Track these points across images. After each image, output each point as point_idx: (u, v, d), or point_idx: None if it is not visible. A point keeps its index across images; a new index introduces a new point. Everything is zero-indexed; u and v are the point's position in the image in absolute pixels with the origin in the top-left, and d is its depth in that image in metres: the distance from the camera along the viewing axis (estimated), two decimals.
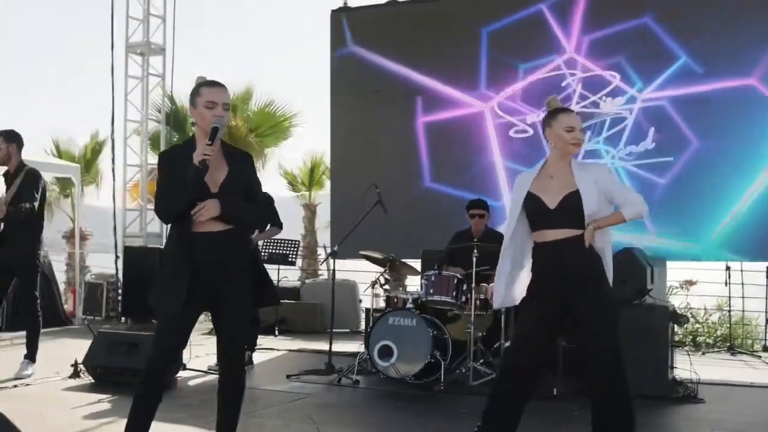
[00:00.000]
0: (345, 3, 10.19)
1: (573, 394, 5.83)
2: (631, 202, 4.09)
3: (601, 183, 4.08)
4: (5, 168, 6.40)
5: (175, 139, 12.20)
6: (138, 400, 3.50)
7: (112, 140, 10.87)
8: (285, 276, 10.95)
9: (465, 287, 6.65)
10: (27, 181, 6.22)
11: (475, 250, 6.56)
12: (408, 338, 6.44)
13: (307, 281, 11.11)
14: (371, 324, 6.67)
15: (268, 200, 3.72)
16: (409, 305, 6.74)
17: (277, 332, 9.72)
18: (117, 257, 10.53)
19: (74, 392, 5.74)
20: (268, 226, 7.01)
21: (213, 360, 6.81)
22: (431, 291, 6.68)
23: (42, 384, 5.99)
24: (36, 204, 6.19)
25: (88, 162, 14.06)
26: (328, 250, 8.61)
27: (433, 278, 6.70)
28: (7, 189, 6.27)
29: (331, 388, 6.28)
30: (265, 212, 3.75)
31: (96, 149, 14.31)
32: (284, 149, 13.66)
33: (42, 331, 6.44)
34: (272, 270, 10.15)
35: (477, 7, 9.16)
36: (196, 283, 3.46)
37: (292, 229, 11.79)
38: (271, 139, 13.60)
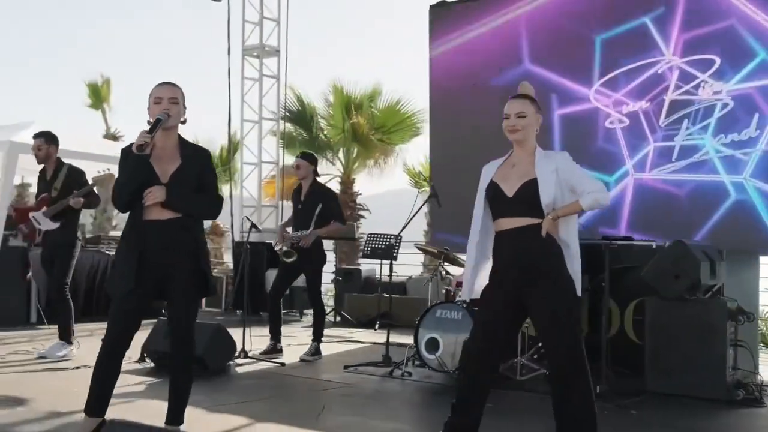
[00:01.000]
0: None
1: (617, 394, 5.66)
2: (589, 190, 3.94)
3: (561, 172, 3.96)
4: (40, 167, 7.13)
5: (302, 137, 12.80)
6: (97, 369, 3.85)
7: (229, 139, 11.60)
8: (395, 271, 11.14)
9: None
10: (73, 177, 6.91)
11: None
12: (453, 331, 6.44)
13: (413, 276, 11.27)
14: (419, 317, 6.72)
15: (218, 198, 3.96)
16: (459, 298, 6.74)
17: (377, 326, 9.94)
18: (246, 250, 11.20)
19: (125, 374, 6.25)
20: (332, 223, 7.32)
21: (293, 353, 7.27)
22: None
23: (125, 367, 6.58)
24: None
25: (224, 161, 15.05)
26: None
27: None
28: (48, 186, 6.97)
29: (383, 379, 6.40)
30: (210, 204, 3.96)
31: (233, 149, 15.27)
32: (413, 146, 13.96)
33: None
34: (375, 264, 10.39)
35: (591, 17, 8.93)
36: (144, 267, 3.75)
37: (418, 225, 11.95)
38: (396, 137, 13.87)
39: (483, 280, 4.12)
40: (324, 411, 5.09)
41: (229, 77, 11.56)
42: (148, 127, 3.79)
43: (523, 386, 6.11)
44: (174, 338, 3.91)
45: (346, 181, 14.03)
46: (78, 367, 6.42)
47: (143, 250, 3.77)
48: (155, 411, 4.35)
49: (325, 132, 14.29)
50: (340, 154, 14.38)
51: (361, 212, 14.34)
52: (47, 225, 6.91)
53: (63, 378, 6.03)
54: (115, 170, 4.16)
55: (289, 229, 7.56)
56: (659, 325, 6.13)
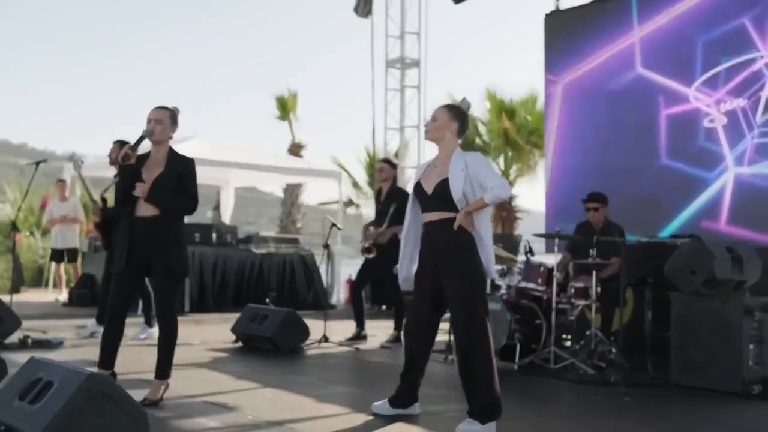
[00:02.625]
0: (557, 6, 10.59)
1: (628, 385, 6.00)
2: (491, 186, 4.53)
3: (471, 168, 4.59)
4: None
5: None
6: (103, 337, 5.07)
7: (374, 145, 12.72)
8: None
9: (557, 275, 7.01)
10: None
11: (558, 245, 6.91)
12: (492, 321, 7.00)
13: None
14: None
15: (194, 200, 5.05)
16: (503, 290, 7.30)
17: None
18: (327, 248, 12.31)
19: (216, 352, 7.49)
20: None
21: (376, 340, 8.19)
22: (520, 278, 7.18)
23: (208, 344, 7.87)
24: None
25: (371, 168, 16.29)
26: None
27: (523, 267, 7.19)
28: None
29: (437, 364, 7.13)
30: (183, 203, 5.01)
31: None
32: None
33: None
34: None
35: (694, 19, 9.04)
36: (134, 252, 4.91)
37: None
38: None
39: (414, 264, 4.81)
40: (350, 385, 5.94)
41: (372, 89, 12.71)
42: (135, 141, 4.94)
43: (554, 374, 6.55)
44: (157, 311, 5.01)
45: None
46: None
47: (133, 239, 4.90)
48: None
49: (484, 137, 14.95)
50: (499, 159, 14.98)
51: (518, 214, 14.81)
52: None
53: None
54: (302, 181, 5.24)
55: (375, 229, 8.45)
56: (683, 319, 6.31)
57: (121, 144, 7.64)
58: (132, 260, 4.90)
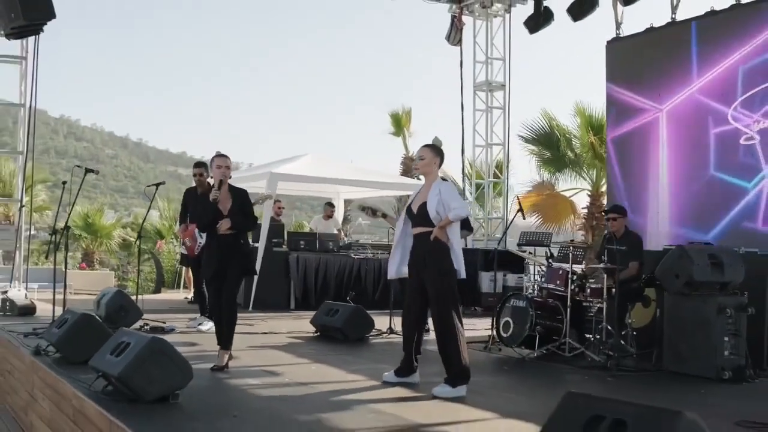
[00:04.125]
0: (617, 34, 11.62)
1: (622, 370, 7.25)
2: (453, 208, 5.98)
3: (443, 194, 6.07)
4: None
5: (546, 156, 14.88)
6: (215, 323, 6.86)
7: (462, 162, 14.12)
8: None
9: (577, 278, 8.23)
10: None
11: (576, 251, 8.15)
12: (519, 316, 8.33)
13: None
14: (499, 305, 8.67)
15: (255, 218, 6.94)
16: (530, 290, 8.59)
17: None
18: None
19: (296, 339, 9.16)
20: (463, 231, 9.55)
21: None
22: (543, 280, 8.46)
23: (292, 334, 9.57)
24: None
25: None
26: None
27: (546, 270, 8.47)
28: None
29: (477, 353, 8.53)
30: (251, 222, 6.82)
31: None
32: None
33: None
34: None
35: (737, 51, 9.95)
36: (218, 261, 6.73)
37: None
38: None
39: (401, 266, 6.27)
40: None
41: (462, 110, 14.14)
42: (216, 186, 6.66)
43: (565, 361, 7.80)
44: (224, 298, 6.70)
45: (595, 195, 15.61)
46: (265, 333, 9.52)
47: (219, 252, 6.68)
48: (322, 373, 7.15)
49: (576, 150, 16.02)
50: (592, 172, 15.98)
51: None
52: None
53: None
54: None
55: None
56: (672, 316, 7.41)
57: (202, 166, 9.32)
58: (218, 267, 6.67)
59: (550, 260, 8.46)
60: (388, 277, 6.48)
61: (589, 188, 16.01)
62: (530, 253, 10.21)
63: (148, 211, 10.85)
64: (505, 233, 9.56)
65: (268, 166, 13.98)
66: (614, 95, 11.30)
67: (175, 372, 5.13)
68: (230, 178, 6.85)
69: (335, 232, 14.06)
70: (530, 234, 11.61)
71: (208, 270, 6.74)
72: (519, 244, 11.51)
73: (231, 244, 6.65)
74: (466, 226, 9.58)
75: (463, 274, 6.02)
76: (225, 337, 6.69)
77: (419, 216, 6.08)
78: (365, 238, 14.53)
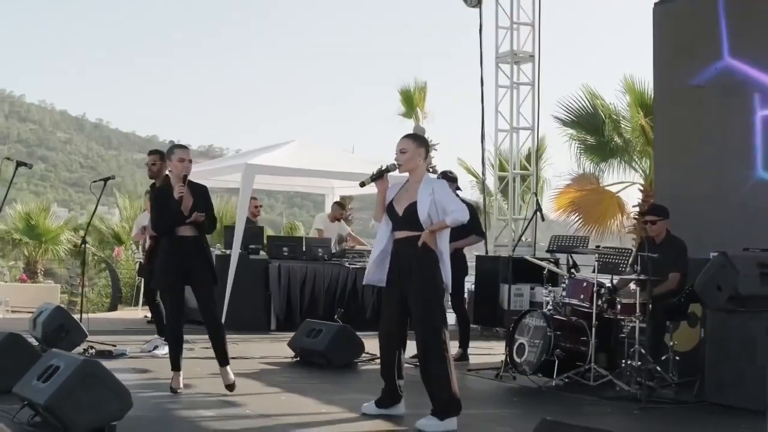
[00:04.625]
0: None
1: (656, 402, 7.62)
2: (450, 211, 6.39)
3: (437, 194, 6.47)
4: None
5: (588, 142, 15.25)
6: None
7: (482, 149, 14.51)
8: None
9: (605, 291, 8.60)
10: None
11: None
12: (535, 337, 8.70)
13: None
14: (512, 324, 9.06)
15: (214, 219, 7.45)
16: (549, 306, 8.96)
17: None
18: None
19: (269, 366, 9.58)
20: (472, 236, 9.96)
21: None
22: (564, 294, 8.84)
23: (266, 359, 9.99)
24: None
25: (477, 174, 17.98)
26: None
27: (568, 282, 8.84)
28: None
29: (485, 381, 8.93)
30: (212, 226, 7.34)
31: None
32: None
33: None
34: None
35: None
36: (177, 268, 7.18)
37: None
38: None
39: (380, 270, 6.67)
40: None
41: (482, 87, 14.54)
42: (180, 182, 7.17)
43: (589, 391, 8.16)
44: (203, 313, 7.25)
45: (648, 189, 15.88)
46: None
47: (179, 256, 7.16)
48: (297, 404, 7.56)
49: (625, 135, 16.34)
50: (645, 161, 16.26)
51: None
52: None
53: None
54: None
55: None
56: (714, 337, 7.77)
57: (156, 154, 9.71)
58: (179, 277, 7.19)
59: (572, 270, 8.81)
60: (364, 282, 6.90)
61: (642, 181, 16.33)
62: (551, 261, 10.57)
63: (93, 213, 11.27)
64: (521, 237, 9.95)
65: (243, 155, 14.45)
66: (662, 70, 11.61)
67: (111, 400, 5.58)
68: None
69: (344, 238, 14.40)
70: (561, 238, 11.97)
71: (163, 279, 7.27)
72: (549, 250, 11.88)
73: (195, 248, 7.19)
74: (476, 230, 9.96)
75: (449, 289, 6.44)
76: (221, 353, 7.31)
77: (406, 218, 6.47)
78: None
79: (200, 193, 7.33)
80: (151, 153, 9.90)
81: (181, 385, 7.22)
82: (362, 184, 6.79)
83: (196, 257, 7.19)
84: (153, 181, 9.71)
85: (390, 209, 6.61)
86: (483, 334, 13.50)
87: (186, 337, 7.70)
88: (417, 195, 6.46)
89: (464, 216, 6.40)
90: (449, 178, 10.15)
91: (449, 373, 6.27)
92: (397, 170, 6.64)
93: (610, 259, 10.44)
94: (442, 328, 6.34)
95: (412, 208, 6.44)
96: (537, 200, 9.41)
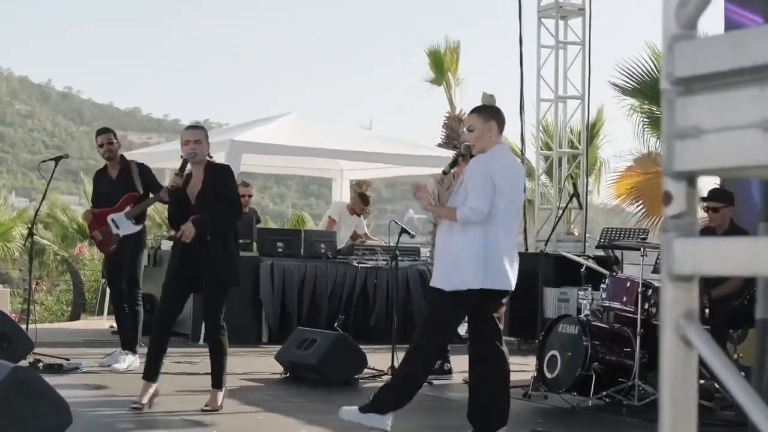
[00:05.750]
0: None
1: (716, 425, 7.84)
2: (468, 206, 6.80)
3: (466, 180, 6.89)
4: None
5: (655, 115, 15.51)
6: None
7: (521, 123, 14.78)
8: None
9: (653, 293, 8.89)
10: (149, 174, 10.40)
11: None
12: (569, 348, 9.01)
13: None
14: (543, 332, 9.37)
15: (236, 203, 7.94)
16: (587, 311, 9.26)
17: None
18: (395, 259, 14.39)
19: (252, 382, 9.98)
20: None
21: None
22: (604, 297, 9.13)
23: (251, 375, 10.38)
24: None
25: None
26: None
27: (608, 281, 9.13)
28: (125, 184, 10.19)
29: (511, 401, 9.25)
30: (224, 218, 7.89)
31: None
32: None
33: None
34: None
35: None
36: (178, 270, 7.80)
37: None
38: None
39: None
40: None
41: (521, 47, 14.81)
42: (179, 169, 7.70)
43: (633, 412, 8.45)
44: (206, 319, 8.02)
45: None
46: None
47: (178, 255, 7.72)
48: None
49: None
50: None
51: None
52: (127, 229, 10.23)
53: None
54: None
55: None
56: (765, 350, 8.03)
57: (106, 133, 10.21)
58: (183, 272, 7.71)
59: (616, 268, 9.10)
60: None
61: None
62: (589, 257, 10.85)
63: (42, 199, 11.48)
64: (554, 227, 10.23)
65: (229, 131, 14.72)
66: (736, 20, 11.84)
67: (48, 413, 5.97)
68: (210, 156, 7.90)
69: (359, 236, 14.71)
70: (615, 231, 12.26)
71: (167, 276, 7.94)
72: (600, 245, 12.17)
73: (200, 244, 7.64)
74: None
75: (470, 285, 6.80)
76: (215, 373, 7.88)
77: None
78: (415, 242, 15.05)
79: (214, 174, 7.82)
80: (101, 132, 10.39)
81: (145, 400, 7.60)
82: (444, 174, 7.45)
83: (200, 255, 7.66)
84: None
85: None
86: (521, 348, 13.74)
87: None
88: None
89: (475, 217, 6.74)
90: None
91: (400, 374, 7.10)
92: (471, 152, 7.07)
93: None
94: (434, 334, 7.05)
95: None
96: (574, 183, 9.68)
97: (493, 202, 6.70)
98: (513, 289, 7.16)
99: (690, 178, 1.86)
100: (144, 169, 10.46)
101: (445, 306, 6.92)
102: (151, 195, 10.12)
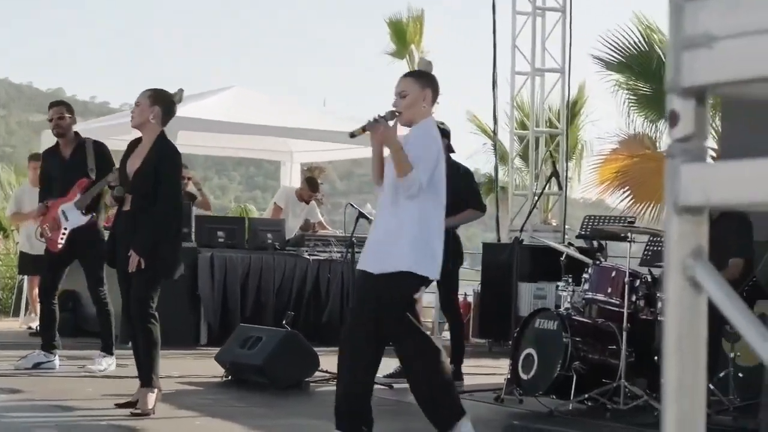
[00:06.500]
0: None
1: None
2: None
3: (409, 144, 6.79)
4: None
5: (641, 91, 15.49)
6: None
7: (494, 99, 14.73)
8: None
9: (641, 284, 8.86)
10: (106, 155, 10.25)
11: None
12: (547, 345, 8.95)
13: None
14: (518, 328, 9.30)
15: (169, 201, 7.86)
16: (567, 304, 9.20)
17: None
18: (351, 246, 14.32)
19: (189, 386, 9.86)
20: (468, 211, 10.22)
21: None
22: (586, 288, 9.08)
23: (188, 378, 10.27)
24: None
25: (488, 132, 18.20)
26: None
27: (591, 271, 9.09)
28: (75, 167, 10.04)
29: (469, 402, 9.18)
30: (164, 224, 7.87)
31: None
32: None
33: None
34: None
35: None
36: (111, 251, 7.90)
37: None
38: None
39: None
40: None
41: (494, 15, 14.76)
42: None
43: (617, 416, 8.40)
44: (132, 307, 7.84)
45: (718, 158, 16.17)
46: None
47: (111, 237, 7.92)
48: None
49: None
50: (717, 116, 16.47)
51: None
52: (76, 221, 10.02)
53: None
54: None
55: None
56: None
57: (59, 105, 10.12)
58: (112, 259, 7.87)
59: (598, 255, 9.06)
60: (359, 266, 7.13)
61: (714, 145, 16.54)
62: (571, 245, 10.82)
63: None
64: (530, 212, 10.17)
65: None
66: None
67: None
68: (148, 122, 7.90)
69: (312, 226, 14.55)
70: (597, 219, 12.23)
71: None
72: (582, 235, 12.13)
73: (128, 225, 7.80)
74: (473, 202, 10.20)
75: (428, 273, 6.71)
76: (143, 368, 7.78)
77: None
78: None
79: (157, 156, 7.87)
80: (53, 105, 10.30)
81: (147, 406, 7.68)
82: (352, 135, 7.03)
83: (128, 237, 7.76)
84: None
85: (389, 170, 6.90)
86: (492, 351, 13.74)
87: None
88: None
89: (414, 189, 6.60)
90: (441, 131, 10.31)
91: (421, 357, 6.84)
92: (397, 120, 6.90)
93: (657, 246, 10.79)
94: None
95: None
96: (553, 161, 9.63)
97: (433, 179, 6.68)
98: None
99: (699, 95, 1.78)
100: (100, 150, 10.30)
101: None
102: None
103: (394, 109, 6.78)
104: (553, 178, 10.21)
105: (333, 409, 6.80)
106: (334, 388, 8.60)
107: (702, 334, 1.81)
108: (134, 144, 7.81)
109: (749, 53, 1.68)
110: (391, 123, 6.77)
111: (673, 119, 1.79)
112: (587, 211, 14.15)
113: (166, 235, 7.69)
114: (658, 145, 16.68)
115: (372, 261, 6.76)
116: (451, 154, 10.33)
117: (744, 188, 1.71)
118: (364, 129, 6.79)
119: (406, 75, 7.05)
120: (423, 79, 6.93)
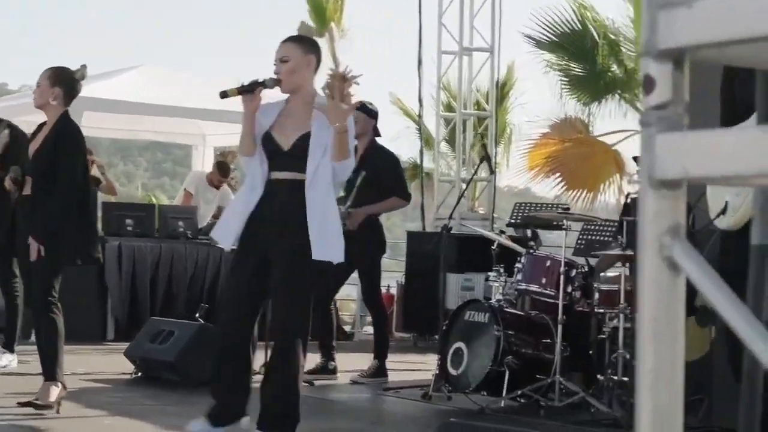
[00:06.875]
0: None
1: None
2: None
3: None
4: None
5: (573, 73, 15.51)
6: None
7: (420, 80, 14.67)
8: None
9: (577, 274, 8.84)
10: (20, 140, 10.24)
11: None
12: (477, 339, 8.91)
13: None
14: (446, 321, 9.26)
15: (64, 186, 7.69)
16: (498, 295, 9.16)
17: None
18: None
19: (95, 383, 9.73)
20: (393, 198, 10.15)
21: None
22: (519, 278, 9.05)
23: (94, 375, 10.13)
24: None
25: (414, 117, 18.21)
26: None
27: (525, 260, 9.06)
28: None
29: (409, 402, 9.15)
30: (58, 211, 7.57)
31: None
32: None
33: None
34: None
35: None
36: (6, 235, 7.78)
37: None
38: None
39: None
40: None
41: None
42: None
43: (552, 414, 8.38)
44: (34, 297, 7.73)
45: None
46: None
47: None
48: None
49: (628, 64, 16.65)
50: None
51: None
52: None
53: None
54: None
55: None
56: (724, 340, 8.03)
57: None
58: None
59: (532, 244, 9.05)
60: (223, 244, 7.17)
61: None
62: (502, 232, 10.82)
63: None
64: (460, 198, 10.12)
65: None
66: None
67: None
68: (49, 103, 7.68)
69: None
70: (529, 207, 12.22)
71: None
72: (512, 224, 12.13)
73: (29, 209, 7.76)
74: (398, 189, 10.14)
75: (331, 257, 6.63)
76: (46, 361, 7.64)
77: (294, 155, 6.65)
78: None
79: (55, 136, 7.70)
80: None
81: (48, 399, 7.50)
82: (223, 95, 6.80)
83: (28, 222, 7.66)
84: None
85: (268, 141, 6.74)
86: (417, 345, 13.72)
87: None
88: (311, 123, 6.60)
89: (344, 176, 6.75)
90: (368, 111, 10.24)
91: (299, 381, 6.91)
92: (277, 87, 6.77)
93: (591, 235, 10.81)
94: (305, 318, 6.70)
95: (304, 142, 6.59)
96: (483, 144, 9.60)
97: None
98: None
99: (677, 58, 1.72)
100: (15, 134, 10.06)
101: None
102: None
103: (275, 76, 6.65)
104: (484, 162, 10.08)
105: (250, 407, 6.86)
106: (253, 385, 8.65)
107: (680, 319, 1.75)
108: (40, 127, 7.62)
109: (733, 12, 1.61)
110: (272, 90, 6.71)
111: (648, 85, 1.72)
112: (513, 200, 14.11)
113: (68, 215, 7.49)
114: (591, 128, 16.72)
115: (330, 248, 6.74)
116: (377, 138, 10.26)
117: (726, 160, 1.65)
118: (239, 91, 6.62)
119: (287, 39, 6.85)
120: (306, 45, 6.86)
